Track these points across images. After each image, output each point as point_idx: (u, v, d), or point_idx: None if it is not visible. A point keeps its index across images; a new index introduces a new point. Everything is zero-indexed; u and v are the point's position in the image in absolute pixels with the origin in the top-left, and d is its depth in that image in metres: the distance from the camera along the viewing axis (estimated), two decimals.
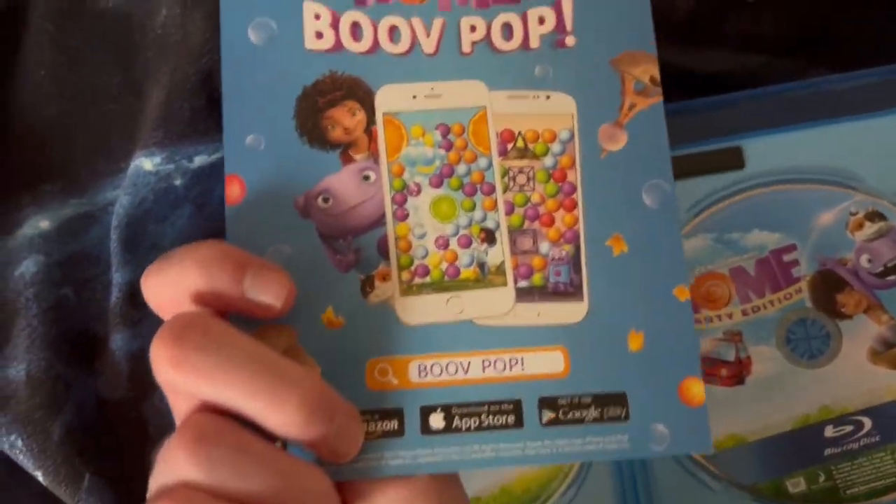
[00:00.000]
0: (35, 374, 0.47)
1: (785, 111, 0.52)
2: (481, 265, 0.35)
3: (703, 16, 0.56)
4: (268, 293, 0.32)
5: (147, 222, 0.49)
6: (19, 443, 0.46)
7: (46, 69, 0.51)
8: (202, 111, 0.48)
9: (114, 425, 0.48)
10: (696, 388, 0.34)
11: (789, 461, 0.49)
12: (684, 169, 0.51)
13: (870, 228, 0.50)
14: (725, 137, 0.52)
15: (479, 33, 0.37)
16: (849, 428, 0.49)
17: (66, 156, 0.50)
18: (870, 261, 0.50)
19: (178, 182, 0.50)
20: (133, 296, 0.48)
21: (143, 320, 0.48)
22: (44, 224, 0.49)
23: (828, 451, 0.49)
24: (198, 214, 0.51)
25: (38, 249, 0.49)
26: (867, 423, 0.49)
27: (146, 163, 0.49)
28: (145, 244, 0.49)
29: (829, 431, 0.49)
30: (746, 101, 0.52)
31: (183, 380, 0.30)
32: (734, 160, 0.52)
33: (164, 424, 0.48)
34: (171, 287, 0.33)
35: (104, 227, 0.50)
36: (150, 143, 0.49)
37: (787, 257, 0.51)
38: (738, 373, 0.50)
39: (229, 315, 0.33)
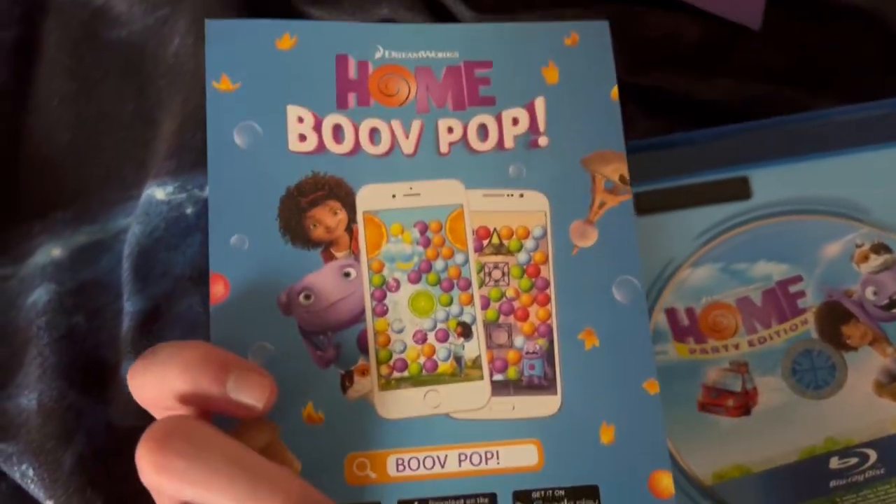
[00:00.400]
0: (47, 404, 0.47)
1: (792, 142, 0.51)
2: (458, 359, 0.37)
3: (709, 45, 0.55)
4: (250, 395, 0.34)
5: (158, 251, 0.50)
6: (31, 472, 0.47)
7: (60, 98, 0.52)
8: None
9: (124, 452, 0.47)
10: (666, 481, 0.35)
11: (794, 493, 0.49)
12: (691, 198, 0.51)
13: (875, 261, 0.50)
14: (732, 167, 0.51)
15: (456, 134, 0.38)
16: (854, 460, 0.49)
17: (79, 184, 0.51)
18: (875, 293, 0.50)
19: (189, 210, 0.50)
20: (144, 324, 0.49)
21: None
22: (56, 252, 0.50)
23: (833, 483, 0.49)
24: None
25: (50, 277, 0.50)
26: (872, 455, 0.49)
27: (158, 192, 0.50)
28: (156, 272, 0.50)
29: (835, 463, 0.49)
30: (753, 132, 0.52)
31: (167, 485, 0.32)
32: (741, 190, 0.51)
33: None
34: (156, 388, 0.35)
35: (115, 255, 0.51)
36: (162, 172, 0.50)
37: (793, 288, 0.50)
38: (744, 403, 0.50)
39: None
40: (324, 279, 0.37)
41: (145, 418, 0.47)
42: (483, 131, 0.38)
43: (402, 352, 0.37)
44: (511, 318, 0.37)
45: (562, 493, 0.35)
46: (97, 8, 0.52)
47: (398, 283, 0.37)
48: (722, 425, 0.49)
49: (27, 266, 0.50)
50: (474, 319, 0.37)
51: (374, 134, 0.38)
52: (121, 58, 0.52)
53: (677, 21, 0.55)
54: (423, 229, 0.37)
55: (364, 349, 0.36)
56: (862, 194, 0.51)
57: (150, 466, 0.32)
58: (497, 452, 0.36)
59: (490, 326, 0.37)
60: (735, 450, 0.49)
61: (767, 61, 0.56)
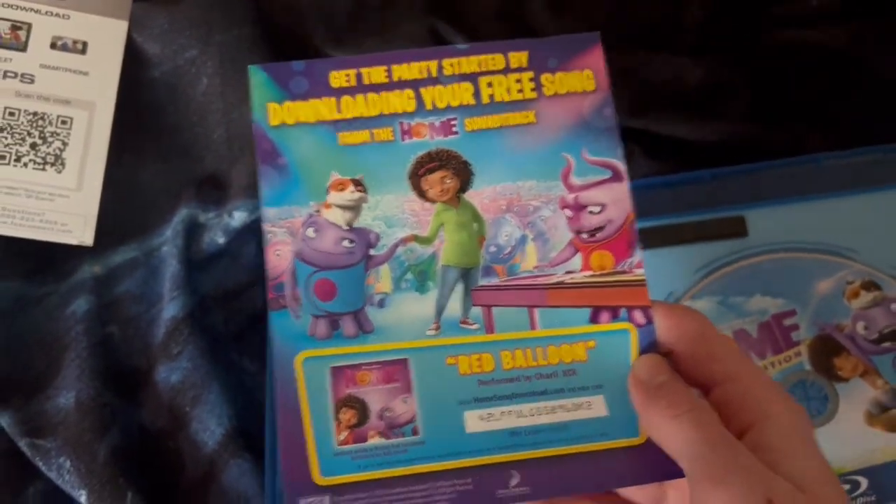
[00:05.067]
0: (84, 401, 0.50)
1: (786, 184, 0.54)
2: None
3: (707, 89, 0.57)
4: None
5: (192, 268, 0.54)
6: (67, 464, 0.50)
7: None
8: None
9: (153, 453, 0.52)
10: None
11: None
12: (691, 235, 0.54)
13: (865, 297, 0.52)
14: (729, 207, 0.54)
15: None
16: (846, 487, 0.50)
17: (120, 212, 0.54)
18: (866, 328, 0.52)
19: (220, 238, 0.54)
20: (176, 330, 0.52)
21: (182, 353, 0.52)
22: (96, 269, 0.54)
23: None
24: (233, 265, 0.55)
25: (89, 290, 0.53)
26: (864, 482, 0.50)
27: (200, 216, 0.54)
28: (189, 288, 0.53)
29: None
30: (750, 174, 0.54)
31: None
32: (737, 228, 0.54)
33: (198, 455, 0.51)
34: None
35: (150, 270, 0.54)
36: (205, 199, 0.54)
37: (787, 322, 0.52)
38: None
39: None
40: None
41: (174, 422, 0.51)
42: None
43: None
44: None
45: None
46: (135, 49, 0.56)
47: None
48: None
49: (68, 283, 0.54)
50: None
51: None
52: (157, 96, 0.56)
53: (678, 65, 0.58)
54: None
55: None
56: (851, 235, 0.53)
57: None
58: None
59: None
60: None
61: (761, 106, 0.58)
